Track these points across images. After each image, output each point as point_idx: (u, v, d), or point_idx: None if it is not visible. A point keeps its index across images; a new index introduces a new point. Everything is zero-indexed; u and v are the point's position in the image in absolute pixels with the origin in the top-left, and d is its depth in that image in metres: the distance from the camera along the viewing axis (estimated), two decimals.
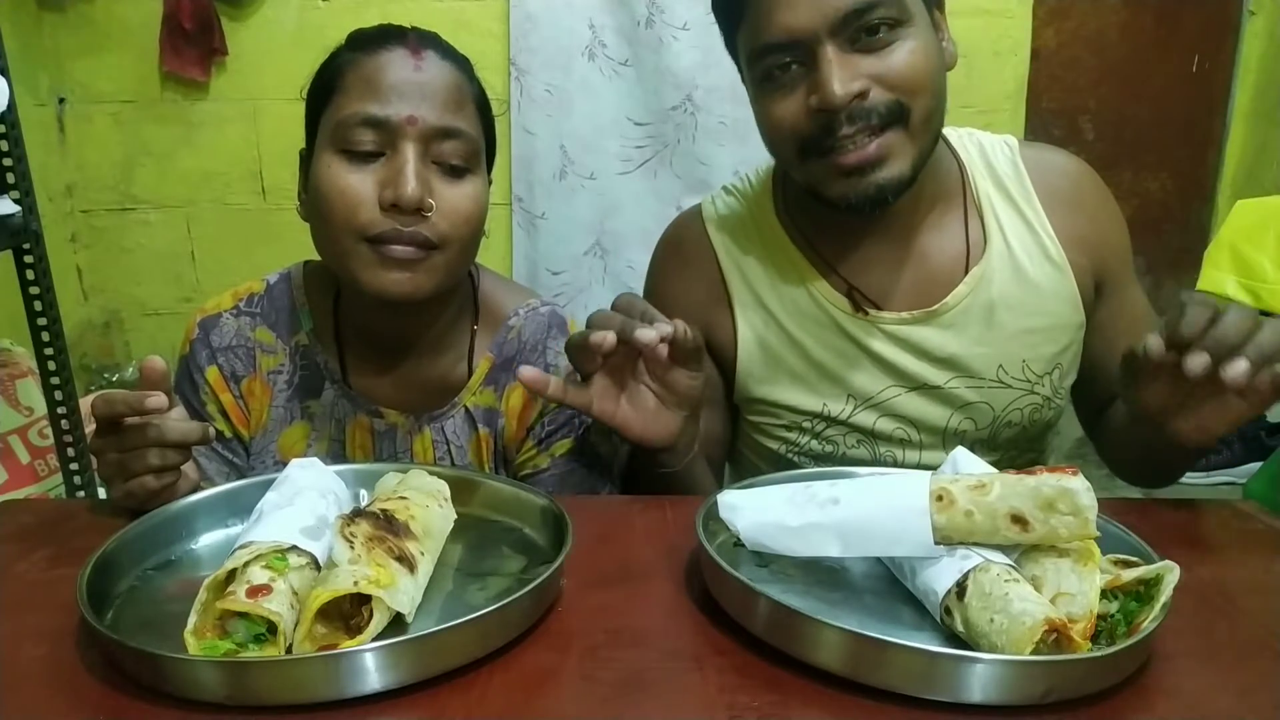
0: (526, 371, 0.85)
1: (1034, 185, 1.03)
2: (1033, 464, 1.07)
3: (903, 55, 0.87)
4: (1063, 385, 1.05)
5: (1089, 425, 1.12)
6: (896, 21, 0.87)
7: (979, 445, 1.03)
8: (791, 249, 1.03)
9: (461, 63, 0.92)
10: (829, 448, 1.05)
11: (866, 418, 1.03)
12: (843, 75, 0.86)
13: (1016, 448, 1.07)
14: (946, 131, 0.99)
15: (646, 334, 0.80)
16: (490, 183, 0.94)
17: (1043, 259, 1.01)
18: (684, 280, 1.07)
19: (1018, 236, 1.01)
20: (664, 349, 0.82)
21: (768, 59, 0.90)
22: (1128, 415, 0.96)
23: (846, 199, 0.92)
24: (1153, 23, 3.50)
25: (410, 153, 0.85)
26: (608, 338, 0.80)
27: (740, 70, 0.98)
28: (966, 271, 1.00)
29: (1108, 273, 1.04)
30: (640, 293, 1.14)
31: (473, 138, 0.90)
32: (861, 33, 0.86)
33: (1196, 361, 0.73)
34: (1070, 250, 1.01)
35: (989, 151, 1.05)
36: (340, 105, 0.87)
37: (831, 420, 1.03)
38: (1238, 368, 0.72)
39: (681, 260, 1.08)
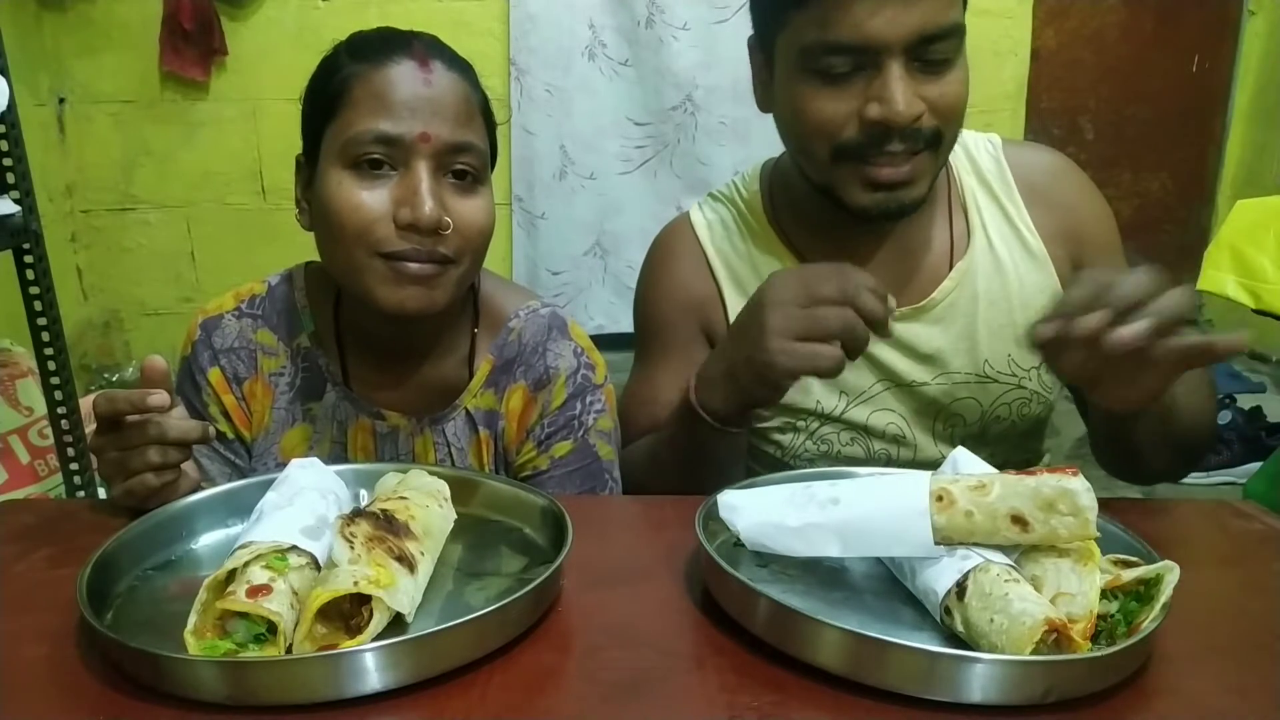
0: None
1: (1015, 181, 1.04)
2: (1027, 463, 1.08)
3: (953, 85, 0.89)
4: (1051, 380, 1.05)
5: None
6: (955, 50, 0.89)
7: (970, 440, 1.03)
8: (782, 250, 1.04)
9: (466, 70, 0.91)
10: (824, 447, 1.05)
11: (859, 413, 1.03)
12: (908, 95, 0.86)
13: (1008, 443, 1.07)
14: None
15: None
16: None
17: (1023, 253, 1.03)
18: (678, 286, 1.07)
19: (999, 231, 1.03)
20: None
21: (829, 56, 0.88)
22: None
23: (868, 211, 0.93)
24: (1153, 23, 3.50)
25: (424, 170, 0.85)
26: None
27: (766, 43, 0.95)
28: (951, 267, 1.02)
29: (1091, 265, 1.04)
30: (632, 294, 1.14)
31: (482, 150, 0.89)
32: (925, 54, 0.87)
33: (1085, 323, 0.70)
34: (1050, 244, 1.03)
35: (972, 149, 1.06)
36: (349, 121, 0.86)
37: (825, 417, 1.04)
38: (1128, 330, 0.69)
39: (674, 266, 1.09)
